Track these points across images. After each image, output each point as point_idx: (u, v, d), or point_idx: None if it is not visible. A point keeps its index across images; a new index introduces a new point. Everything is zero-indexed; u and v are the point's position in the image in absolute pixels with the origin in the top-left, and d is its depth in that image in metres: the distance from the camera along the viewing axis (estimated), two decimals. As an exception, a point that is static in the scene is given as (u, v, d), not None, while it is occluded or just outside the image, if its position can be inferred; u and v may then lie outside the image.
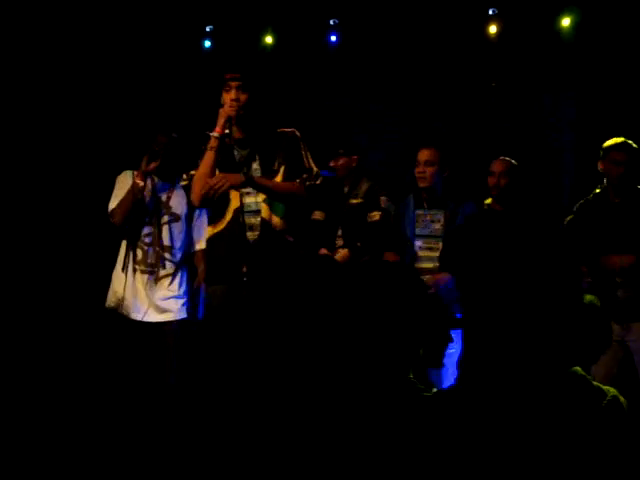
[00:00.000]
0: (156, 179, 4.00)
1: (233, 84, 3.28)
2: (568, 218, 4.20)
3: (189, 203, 3.99)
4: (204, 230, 4.05)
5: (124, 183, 3.96)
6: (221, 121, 3.22)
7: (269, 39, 6.49)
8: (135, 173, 3.89)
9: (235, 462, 2.22)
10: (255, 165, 3.36)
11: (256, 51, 6.34)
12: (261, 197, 3.33)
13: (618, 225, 3.98)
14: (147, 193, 3.94)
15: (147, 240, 3.97)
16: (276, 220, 3.35)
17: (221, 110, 3.25)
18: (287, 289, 3.33)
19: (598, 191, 4.11)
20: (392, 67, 6.40)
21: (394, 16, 6.21)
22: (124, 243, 4.00)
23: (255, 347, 3.21)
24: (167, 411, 3.67)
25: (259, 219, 3.31)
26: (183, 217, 4.02)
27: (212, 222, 3.40)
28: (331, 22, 6.40)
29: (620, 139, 4.03)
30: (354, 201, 4.49)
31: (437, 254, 4.12)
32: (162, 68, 6.27)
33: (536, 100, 6.40)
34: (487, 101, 6.43)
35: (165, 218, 3.98)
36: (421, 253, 4.13)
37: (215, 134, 3.22)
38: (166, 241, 3.98)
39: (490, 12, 6.15)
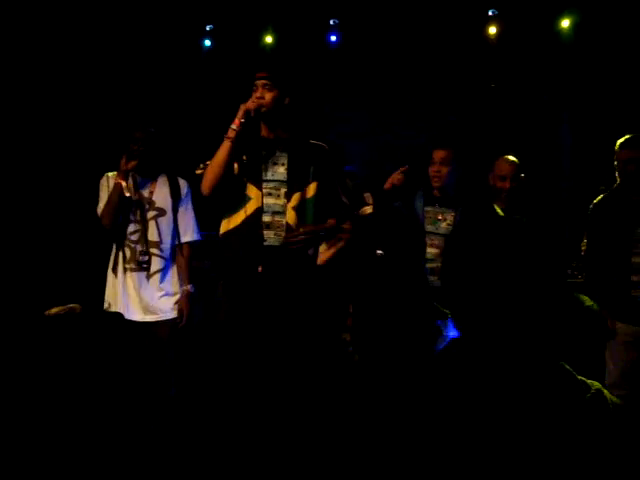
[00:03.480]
0: (137, 176, 3.98)
1: (259, 83, 3.29)
2: (589, 217, 4.12)
3: (174, 195, 3.98)
4: (192, 221, 4.04)
5: (107, 186, 3.92)
6: (239, 113, 3.24)
7: (269, 39, 6.52)
8: (116, 173, 3.88)
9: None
10: (282, 169, 3.34)
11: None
12: (284, 200, 3.33)
13: (639, 221, 3.86)
14: (130, 191, 3.93)
15: (134, 238, 3.94)
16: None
17: (242, 104, 3.26)
18: (299, 294, 3.33)
19: (615, 187, 3.98)
20: (392, 67, 6.42)
21: (394, 17, 6.24)
22: (114, 244, 3.98)
23: (265, 347, 3.21)
24: (165, 424, 3.64)
25: (281, 220, 3.30)
26: (169, 210, 3.98)
27: (227, 216, 3.38)
28: (331, 22, 6.43)
29: (630, 135, 3.97)
30: None
31: (439, 251, 4.11)
32: (160, 66, 6.30)
33: (535, 101, 6.41)
34: (486, 102, 6.45)
35: (151, 214, 3.95)
36: (427, 250, 4.13)
37: (233, 126, 3.24)
38: (154, 237, 3.95)
39: (490, 13, 6.18)
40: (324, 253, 4.37)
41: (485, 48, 6.23)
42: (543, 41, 6.11)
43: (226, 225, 3.37)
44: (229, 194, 3.34)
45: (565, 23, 6.08)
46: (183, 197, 4.03)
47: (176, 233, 4.02)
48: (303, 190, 3.33)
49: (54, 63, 5.84)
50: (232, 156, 3.25)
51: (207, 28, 6.53)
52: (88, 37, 5.98)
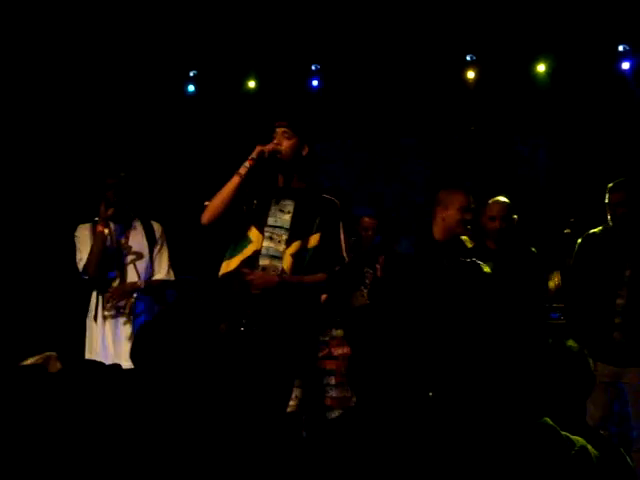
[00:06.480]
0: (112, 223, 4.01)
1: (279, 130, 3.31)
2: (574, 252, 4.16)
3: (149, 238, 4.04)
4: (166, 262, 4.10)
5: (84, 237, 3.97)
6: (253, 153, 3.27)
7: (252, 83, 6.62)
8: (97, 221, 3.89)
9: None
10: (287, 217, 3.33)
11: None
12: (284, 246, 3.36)
13: (627, 264, 3.89)
14: (108, 239, 3.96)
15: (113, 285, 3.99)
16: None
17: (258, 145, 3.30)
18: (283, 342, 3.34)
19: (605, 227, 3.99)
20: (373, 112, 6.52)
21: (375, 62, 6.36)
22: (93, 293, 4.00)
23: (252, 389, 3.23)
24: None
25: (277, 264, 3.32)
26: (146, 254, 4.03)
27: (227, 258, 3.37)
28: (313, 67, 6.54)
29: (620, 179, 4.03)
30: None
31: None
32: (143, 111, 6.37)
33: (511, 143, 6.56)
34: (466, 144, 6.57)
35: (128, 259, 4.00)
36: None
37: (245, 163, 3.27)
38: (133, 281, 4.01)
39: (468, 58, 6.31)
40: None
41: (464, 92, 6.36)
42: (520, 85, 6.26)
43: (226, 267, 3.38)
44: (233, 236, 3.37)
45: (541, 68, 6.23)
46: (157, 239, 4.08)
47: (152, 272, 4.06)
48: (305, 239, 3.31)
49: (32, 104, 5.85)
50: (238, 193, 3.26)
51: (191, 74, 6.61)
52: (72, 79, 6.02)
